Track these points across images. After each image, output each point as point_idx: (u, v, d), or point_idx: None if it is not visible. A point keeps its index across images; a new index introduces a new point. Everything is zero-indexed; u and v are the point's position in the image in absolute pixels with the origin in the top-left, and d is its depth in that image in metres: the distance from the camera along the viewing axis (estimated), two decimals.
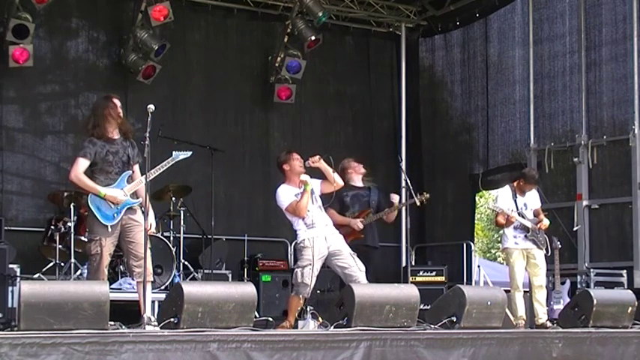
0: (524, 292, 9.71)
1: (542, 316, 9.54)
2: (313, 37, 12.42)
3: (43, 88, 11.74)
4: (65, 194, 10.08)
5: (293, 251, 12.14)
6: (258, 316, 8.14)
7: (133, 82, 11.77)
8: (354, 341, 6.76)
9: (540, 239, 9.68)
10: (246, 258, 11.83)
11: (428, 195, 9.79)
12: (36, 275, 9.75)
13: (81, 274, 9.72)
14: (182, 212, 10.82)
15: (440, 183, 13.94)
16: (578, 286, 11.25)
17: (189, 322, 6.49)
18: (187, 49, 12.57)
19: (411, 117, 14.00)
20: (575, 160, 11.97)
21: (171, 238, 10.73)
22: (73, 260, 9.83)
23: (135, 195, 7.44)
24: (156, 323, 6.81)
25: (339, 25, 13.54)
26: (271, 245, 12.53)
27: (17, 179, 11.39)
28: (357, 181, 9.76)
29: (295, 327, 8.28)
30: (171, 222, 10.92)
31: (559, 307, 10.43)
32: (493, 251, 30.46)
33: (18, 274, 9.55)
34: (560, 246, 10.62)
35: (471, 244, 13.22)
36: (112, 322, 6.37)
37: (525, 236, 9.61)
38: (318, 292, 9.84)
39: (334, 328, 7.12)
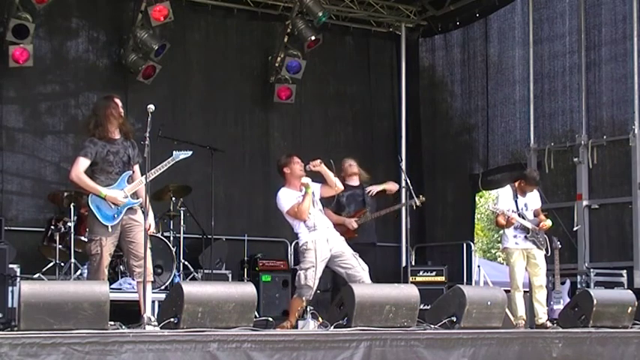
0: (524, 292, 9.71)
1: (542, 316, 9.54)
2: (313, 37, 12.42)
3: (43, 88, 11.73)
4: (65, 194, 10.08)
5: (293, 251, 12.16)
6: (258, 316, 8.13)
7: (133, 82, 11.76)
8: (354, 341, 6.77)
9: (540, 239, 9.68)
10: (246, 258, 11.83)
11: (423, 198, 9.82)
12: (36, 275, 9.75)
13: (81, 274, 9.73)
14: (182, 212, 10.82)
15: (440, 183, 13.94)
16: (578, 286, 11.25)
17: (189, 322, 6.49)
18: (187, 49, 12.57)
19: (411, 117, 14.00)
20: (575, 160, 11.97)
21: (171, 238, 10.73)
22: (73, 260, 9.83)
23: (135, 195, 7.44)
24: (156, 323, 6.81)
25: (339, 25, 13.54)
26: (271, 245, 12.53)
27: (17, 179, 11.39)
28: (354, 180, 9.76)
29: (295, 327, 8.28)
30: (171, 222, 10.92)
31: (559, 307, 10.43)
32: (493, 251, 30.46)
33: (18, 274, 9.55)
34: (560, 246, 10.62)
35: (471, 244, 13.22)
36: (112, 322, 6.38)
37: (525, 236, 9.61)
38: (318, 292, 9.82)
39: (334, 328, 7.13)
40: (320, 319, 7.78)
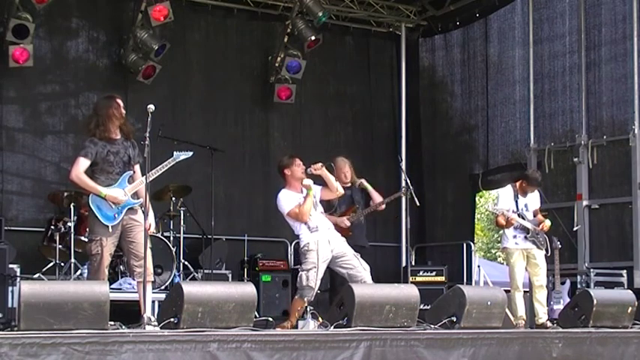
0: (524, 292, 9.71)
1: (542, 316, 9.54)
2: (313, 37, 12.42)
3: (43, 88, 11.73)
4: (65, 194, 10.08)
5: (293, 251, 12.16)
6: (258, 316, 8.13)
7: (133, 82, 11.76)
8: (354, 341, 6.77)
9: (540, 239, 9.68)
10: (246, 258, 11.83)
11: (412, 189, 9.77)
12: (36, 275, 9.75)
13: (81, 274, 9.72)
14: (182, 212, 10.81)
15: (440, 183, 13.95)
16: (578, 286, 11.25)
17: (189, 322, 6.49)
18: (187, 49, 12.57)
19: (411, 117, 14.00)
20: (575, 160, 11.97)
21: (171, 238, 10.72)
22: (73, 260, 9.83)
23: (136, 195, 7.43)
24: (156, 323, 6.81)
25: (339, 25, 13.54)
26: (271, 245, 12.53)
27: (17, 179, 11.39)
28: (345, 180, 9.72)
29: (295, 327, 8.28)
30: (171, 222, 10.91)
31: (559, 307, 10.43)
32: (493, 251, 30.46)
33: (18, 274, 9.55)
34: (560, 246, 10.62)
35: (471, 244, 13.22)
36: (112, 322, 6.38)
37: (525, 237, 9.61)
38: (319, 292, 9.81)
39: (334, 328, 7.13)
40: (320, 319, 7.77)
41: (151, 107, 7.17)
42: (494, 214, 9.79)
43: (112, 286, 8.77)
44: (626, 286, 10.97)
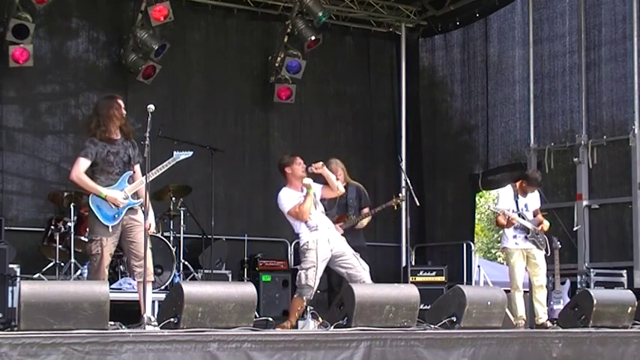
0: (524, 292, 9.71)
1: (542, 316, 9.54)
2: (313, 37, 12.42)
3: (43, 88, 11.73)
4: (65, 194, 10.08)
5: (293, 251, 12.16)
6: (258, 316, 8.14)
7: (133, 82, 11.77)
8: (354, 341, 6.77)
9: (540, 239, 9.68)
10: (246, 258, 11.83)
11: (403, 197, 9.75)
12: (36, 275, 9.75)
13: (81, 274, 9.72)
14: (182, 212, 10.81)
15: (440, 183, 13.95)
16: (578, 286, 11.25)
17: (189, 322, 6.49)
18: (187, 49, 12.57)
19: (411, 117, 14.00)
20: (575, 160, 11.97)
21: (171, 238, 10.73)
22: (73, 260, 9.83)
23: (136, 195, 7.43)
24: (156, 323, 6.81)
25: (339, 25, 13.54)
26: (271, 245, 12.53)
27: (17, 179, 11.39)
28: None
29: (295, 327, 8.28)
30: (171, 222, 10.91)
31: (559, 307, 10.43)
32: (493, 251, 30.46)
33: (18, 274, 9.55)
34: (560, 246, 10.62)
35: (471, 244, 13.22)
36: (112, 322, 6.38)
37: (525, 236, 9.61)
38: (318, 292, 9.82)
39: (334, 328, 7.13)
40: (320, 319, 7.77)
41: (151, 107, 7.17)
42: (495, 213, 9.80)
43: (112, 286, 8.77)
44: (626, 286, 10.97)
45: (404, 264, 12.78)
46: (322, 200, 8.79)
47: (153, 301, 7.82)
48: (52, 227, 10.09)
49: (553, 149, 12.39)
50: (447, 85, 14.09)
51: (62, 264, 9.94)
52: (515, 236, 9.62)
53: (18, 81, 11.39)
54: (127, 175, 7.45)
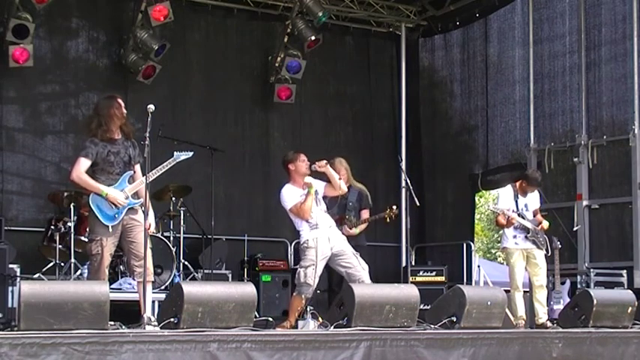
0: (524, 292, 9.71)
1: (542, 316, 9.54)
2: (313, 37, 12.42)
3: (43, 88, 11.74)
4: (65, 194, 10.08)
5: (293, 251, 12.17)
6: (258, 316, 8.14)
7: (133, 82, 11.77)
8: (354, 341, 6.77)
9: (540, 239, 9.68)
10: (246, 258, 11.83)
11: (396, 210, 9.73)
12: (36, 275, 9.75)
13: (81, 274, 9.73)
14: (182, 212, 10.82)
15: (440, 183, 13.95)
16: (578, 286, 11.25)
17: (189, 322, 6.49)
18: (187, 49, 12.57)
19: (411, 117, 14.00)
20: (575, 160, 11.97)
21: (171, 238, 10.73)
22: (73, 260, 9.83)
23: (136, 195, 7.43)
24: (156, 323, 6.81)
25: (339, 25, 13.54)
26: (271, 245, 12.53)
27: (17, 179, 11.39)
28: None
29: (295, 327, 8.28)
30: (171, 222, 10.92)
31: (559, 307, 10.43)
32: (493, 251, 30.46)
33: (18, 274, 9.55)
34: (560, 246, 10.62)
35: (471, 244, 13.22)
36: (112, 322, 6.38)
37: (525, 236, 9.61)
38: (318, 292, 9.82)
39: (334, 328, 7.13)
40: (320, 319, 7.77)
41: (151, 107, 7.17)
42: (495, 213, 9.80)
43: (112, 286, 8.78)
44: (626, 286, 10.97)
45: (404, 264, 12.78)
46: (324, 198, 8.79)
47: (153, 301, 7.82)
48: (52, 227, 10.09)
49: (553, 149, 12.39)
50: (446, 85, 14.09)
51: (62, 264, 9.94)
52: (515, 236, 9.62)
53: (18, 81, 11.39)
54: (127, 175, 7.45)
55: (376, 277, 9.38)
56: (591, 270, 11.45)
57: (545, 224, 9.79)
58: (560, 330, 8.54)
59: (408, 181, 9.59)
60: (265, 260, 11.80)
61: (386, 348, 6.85)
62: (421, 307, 7.53)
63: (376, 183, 12.99)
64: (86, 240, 8.60)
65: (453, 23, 13.84)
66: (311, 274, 8.28)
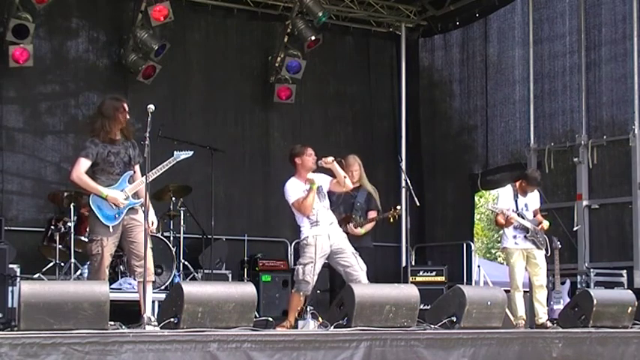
0: (524, 292, 9.71)
1: (542, 316, 9.54)
2: (313, 37, 12.42)
3: (43, 88, 11.73)
4: (65, 194, 10.08)
5: (293, 251, 12.16)
6: (258, 316, 8.13)
7: (133, 82, 11.77)
8: (354, 341, 6.77)
9: (540, 239, 9.68)
10: (246, 258, 11.83)
11: (400, 210, 9.71)
12: (36, 275, 9.75)
13: (81, 274, 9.73)
14: (182, 212, 10.82)
15: (440, 183, 13.95)
16: (578, 286, 11.25)
17: (189, 322, 6.50)
18: (187, 49, 12.57)
19: (411, 117, 13.99)
20: (575, 160, 11.97)
21: (171, 238, 10.73)
22: (73, 260, 9.83)
23: (136, 195, 7.43)
24: (156, 323, 6.82)
25: (339, 25, 13.54)
26: (271, 245, 12.53)
27: (17, 179, 11.39)
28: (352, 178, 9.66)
29: (295, 327, 8.28)
30: (171, 222, 10.91)
31: (559, 307, 10.43)
32: (493, 251, 30.46)
33: (18, 274, 9.55)
34: (560, 246, 10.62)
35: (471, 244, 13.22)
36: (112, 322, 6.38)
37: (525, 236, 9.61)
38: (318, 292, 9.82)
39: (334, 328, 7.13)
40: (320, 319, 7.77)
41: (151, 107, 7.18)
42: (494, 212, 9.79)
43: (112, 286, 8.78)
44: (626, 286, 10.97)
45: (404, 264, 12.78)
46: (330, 194, 8.77)
47: (153, 301, 7.82)
48: (52, 227, 10.09)
49: (553, 149, 12.39)
50: (446, 85, 14.09)
51: (62, 264, 9.94)
52: (515, 236, 9.62)
53: (18, 81, 11.39)
54: (127, 175, 7.45)
55: (376, 277, 9.39)
56: (591, 270, 11.45)
57: (546, 224, 9.79)
58: (560, 330, 8.54)
59: (408, 181, 9.60)
60: (265, 260, 11.79)
61: (386, 348, 6.85)
62: (421, 307, 7.54)
63: (376, 183, 12.88)
64: (86, 240, 8.61)
65: (453, 23, 13.83)
66: (309, 272, 8.28)
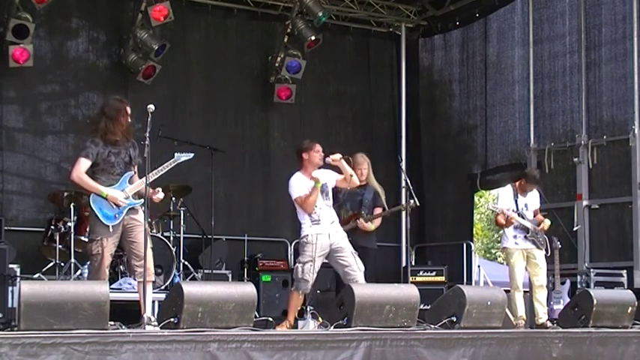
0: (524, 292, 9.71)
1: (542, 316, 9.54)
2: (313, 37, 12.42)
3: (43, 88, 11.73)
4: (65, 194, 10.09)
5: (293, 251, 12.16)
6: (258, 316, 8.14)
7: (133, 82, 11.77)
8: (354, 341, 6.77)
9: (540, 239, 9.68)
10: (246, 258, 11.83)
11: (414, 203, 9.70)
12: (36, 275, 9.75)
13: (81, 274, 9.73)
14: (182, 212, 10.82)
15: (440, 183, 13.94)
16: (578, 286, 11.25)
17: (189, 322, 6.50)
18: (187, 49, 12.56)
19: (411, 117, 14.00)
20: (575, 160, 11.97)
21: (171, 238, 10.73)
22: (73, 260, 9.83)
23: (137, 195, 7.43)
24: (156, 323, 6.82)
25: (339, 25, 13.54)
26: (271, 245, 12.53)
27: (17, 179, 11.39)
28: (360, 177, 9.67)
29: (295, 327, 8.27)
30: (172, 222, 10.92)
31: (559, 307, 10.43)
32: (493, 251, 30.46)
33: (18, 274, 9.55)
34: (560, 246, 10.62)
35: (471, 244, 13.22)
36: (112, 322, 6.38)
37: (525, 236, 9.61)
38: (318, 292, 9.82)
39: (334, 328, 7.13)
40: (320, 319, 7.77)
41: (151, 107, 7.18)
42: (494, 212, 9.79)
43: (112, 286, 8.78)
44: (626, 286, 10.97)
45: (404, 264, 12.78)
46: (337, 191, 8.73)
47: (153, 301, 7.82)
48: (52, 227, 10.09)
49: (553, 149, 12.39)
50: (446, 85, 14.09)
51: (62, 264, 9.94)
52: (515, 236, 9.63)
53: (18, 81, 11.39)
54: (127, 175, 7.46)
55: (376, 277, 9.39)
56: (591, 270, 11.45)
57: (547, 223, 9.77)
58: (560, 330, 8.54)
59: (408, 181, 9.59)
60: (265, 260, 11.79)
61: (386, 348, 6.85)
62: (421, 307, 7.53)
63: (378, 182, 12.98)
64: (86, 240, 8.61)
65: (453, 23, 13.83)
66: (308, 270, 8.28)
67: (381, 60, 14.10)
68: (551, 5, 12.67)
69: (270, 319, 8.72)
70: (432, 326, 7.60)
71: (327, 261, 8.51)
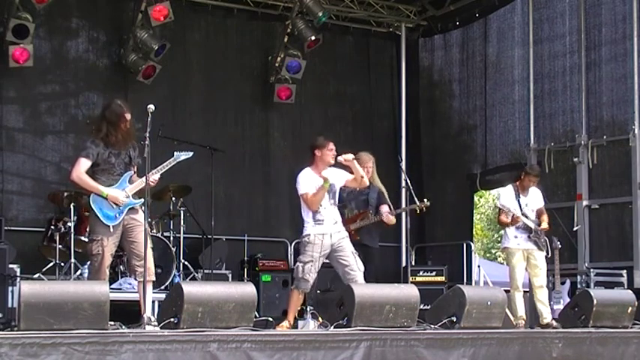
0: (524, 292, 9.71)
1: (547, 316, 9.55)
2: (313, 37, 12.42)
3: (43, 88, 11.73)
4: (65, 194, 10.09)
5: (293, 251, 12.16)
6: (258, 316, 8.13)
7: (133, 82, 11.77)
8: (354, 341, 6.77)
9: (542, 240, 9.68)
10: (246, 258, 11.83)
11: (428, 202, 9.71)
12: (36, 275, 9.75)
13: (81, 274, 9.73)
14: (182, 212, 10.81)
15: (440, 183, 13.94)
16: (578, 286, 11.25)
17: (189, 322, 6.50)
18: (187, 49, 12.57)
19: (411, 117, 14.00)
20: (575, 160, 11.97)
21: (171, 238, 10.73)
22: (73, 260, 9.83)
23: (137, 195, 7.44)
24: (156, 323, 6.82)
25: (339, 25, 13.54)
26: (271, 245, 12.52)
27: (17, 179, 11.39)
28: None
29: (295, 327, 8.27)
30: (172, 222, 10.91)
31: (559, 307, 10.42)
32: (493, 251, 30.47)
33: (18, 274, 9.55)
34: (560, 246, 10.61)
35: (471, 244, 13.22)
36: (112, 322, 6.38)
37: (528, 236, 9.61)
38: (318, 292, 9.82)
39: (334, 328, 7.13)
40: (320, 319, 7.77)
41: (151, 107, 7.18)
42: (501, 210, 9.73)
43: (112, 286, 8.78)
44: (626, 286, 10.97)
45: (404, 264, 12.79)
46: (341, 190, 8.71)
47: (153, 301, 7.82)
48: (52, 227, 10.09)
49: (553, 149, 12.40)
50: (446, 85, 14.09)
51: (62, 264, 9.94)
52: (516, 236, 9.63)
53: (18, 81, 11.39)
54: (127, 175, 7.46)
55: (376, 277, 9.38)
56: (591, 270, 11.45)
57: (545, 225, 9.76)
58: (560, 330, 8.54)
59: (408, 181, 9.60)
60: (265, 260, 11.79)
61: (386, 348, 6.85)
62: (421, 307, 7.53)
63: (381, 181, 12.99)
64: (86, 240, 8.61)
65: (453, 23, 13.84)
66: (309, 270, 8.27)
67: (381, 60, 14.10)
68: (551, 5, 12.67)
69: (270, 319, 8.72)
70: (432, 326, 7.60)
71: (327, 261, 8.51)
